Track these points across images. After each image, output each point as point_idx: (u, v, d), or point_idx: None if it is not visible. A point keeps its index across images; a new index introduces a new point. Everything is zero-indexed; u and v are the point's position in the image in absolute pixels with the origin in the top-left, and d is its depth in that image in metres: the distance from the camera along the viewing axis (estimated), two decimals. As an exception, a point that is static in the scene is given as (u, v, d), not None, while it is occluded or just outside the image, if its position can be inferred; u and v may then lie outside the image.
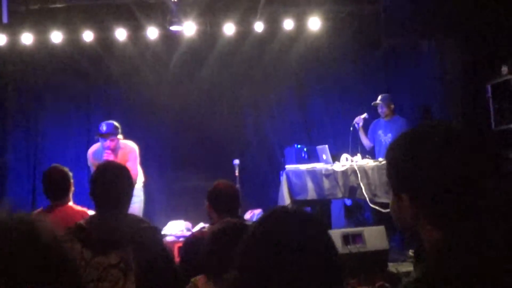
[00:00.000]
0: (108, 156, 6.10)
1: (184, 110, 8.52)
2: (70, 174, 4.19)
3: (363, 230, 5.79)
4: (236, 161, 7.11)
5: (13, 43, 7.96)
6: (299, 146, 7.26)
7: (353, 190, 6.68)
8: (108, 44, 8.29)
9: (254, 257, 1.44)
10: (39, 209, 4.29)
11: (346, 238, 5.59)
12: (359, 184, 6.64)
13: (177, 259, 4.13)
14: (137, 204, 6.21)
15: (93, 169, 5.93)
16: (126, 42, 8.20)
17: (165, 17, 7.90)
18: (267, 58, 8.62)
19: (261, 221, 1.52)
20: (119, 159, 6.08)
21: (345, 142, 7.29)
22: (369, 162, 6.89)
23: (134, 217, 3.12)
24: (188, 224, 7.10)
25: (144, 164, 6.73)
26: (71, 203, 4.15)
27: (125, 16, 8.04)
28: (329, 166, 6.79)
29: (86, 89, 8.69)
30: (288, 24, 8.19)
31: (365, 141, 7.59)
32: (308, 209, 6.87)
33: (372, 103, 7.54)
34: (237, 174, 6.97)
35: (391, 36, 7.41)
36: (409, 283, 1.30)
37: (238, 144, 8.52)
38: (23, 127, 8.60)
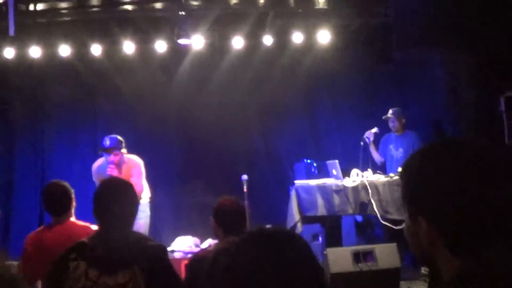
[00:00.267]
0: (112, 171, 6.04)
1: (192, 125, 8.46)
2: (71, 189, 4.08)
3: (375, 247, 5.69)
4: (245, 177, 6.92)
5: (21, 56, 7.92)
6: (308, 160, 7.16)
7: (364, 206, 6.60)
8: (116, 57, 8.25)
9: None
10: (40, 227, 4.22)
11: (357, 256, 5.50)
12: (370, 200, 6.56)
13: (182, 276, 4.05)
14: (143, 220, 6.16)
15: (97, 184, 5.86)
16: (134, 55, 8.16)
17: (173, 30, 7.85)
18: (276, 72, 8.54)
19: (235, 248, 1.35)
20: (123, 174, 6.02)
21: (356, 157, 7.21)
22: (380, 178, 6.81)
23: (139, 235, 3.08)
24: (196, 240, 7.03)
25: (151, 179, 6.68)
26: (73, 219, 4.06)
27: (133, 29, 8.01)
28: (339, 182, 6.72)
29: (93, 102, 8.68)
30: (297, 37, 8.09)
31: (376, 156, 7.48)
32: (318, 226, 6.77)
33: (383, 117, 7.44)
34: (245, 190, 6.83)
35: (402, 49, 7.33)
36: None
37: (246, 159, 8.43)
38: (30, 140, 8.59)
